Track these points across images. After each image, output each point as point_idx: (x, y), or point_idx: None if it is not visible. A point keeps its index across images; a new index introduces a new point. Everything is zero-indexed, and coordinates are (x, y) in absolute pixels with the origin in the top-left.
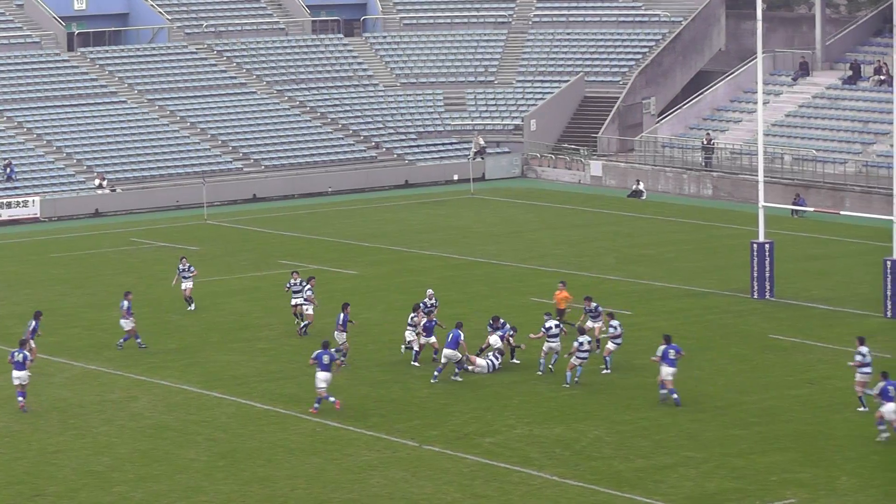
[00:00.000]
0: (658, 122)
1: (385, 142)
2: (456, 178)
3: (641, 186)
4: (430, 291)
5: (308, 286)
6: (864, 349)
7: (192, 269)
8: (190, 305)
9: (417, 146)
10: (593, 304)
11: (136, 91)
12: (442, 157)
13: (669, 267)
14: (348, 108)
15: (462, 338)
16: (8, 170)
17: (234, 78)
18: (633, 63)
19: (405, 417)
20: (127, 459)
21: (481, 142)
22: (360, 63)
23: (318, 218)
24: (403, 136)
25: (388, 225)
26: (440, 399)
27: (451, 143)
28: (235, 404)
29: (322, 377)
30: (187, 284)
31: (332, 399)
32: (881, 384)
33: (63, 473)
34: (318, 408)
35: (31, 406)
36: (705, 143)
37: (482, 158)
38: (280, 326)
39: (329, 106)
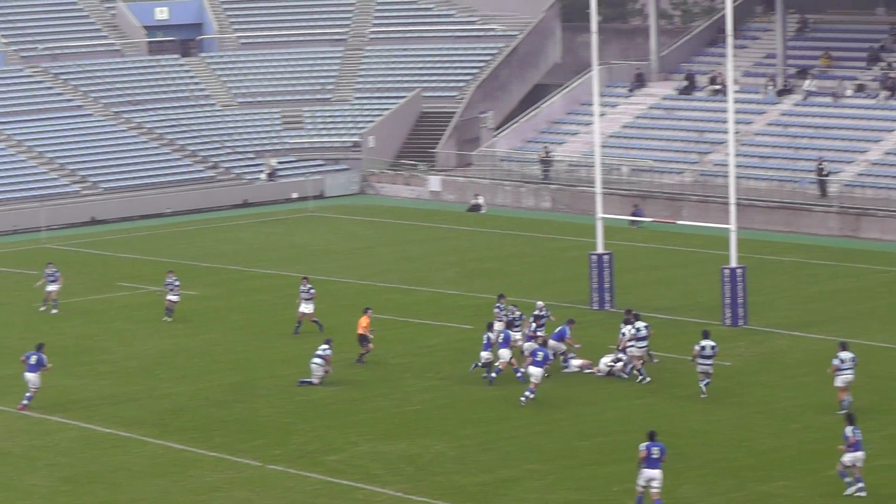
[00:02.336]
0: (496, 135)
1: (223, 161)
2: (295, 196)
3: (480, 200)
4: (540, 304)
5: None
6: (844, 354)
7: (176, 281)
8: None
9: (256, 165)
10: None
11: None
12: (280, 176)
13: (510, 280)
14: (186, 128)
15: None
16: None
17: (71, 101)
18: (469, 77)
19: (248, 437)
20: None
21: (273, 163)
22: (197, 83)
23: (157, 239)
24: (241, 156)
25: (228, 245)
26: (283, 418)
27: (289, 162)
28: (77, 428)
29: (28, 377)
30: (172, 297)
31: (24, 402)
32: (535, 349)
33: None
34: (27, 405)
35: None
36: (543, 156)
37: (273, 181)
38: (121, 349)
39: (166, 127)
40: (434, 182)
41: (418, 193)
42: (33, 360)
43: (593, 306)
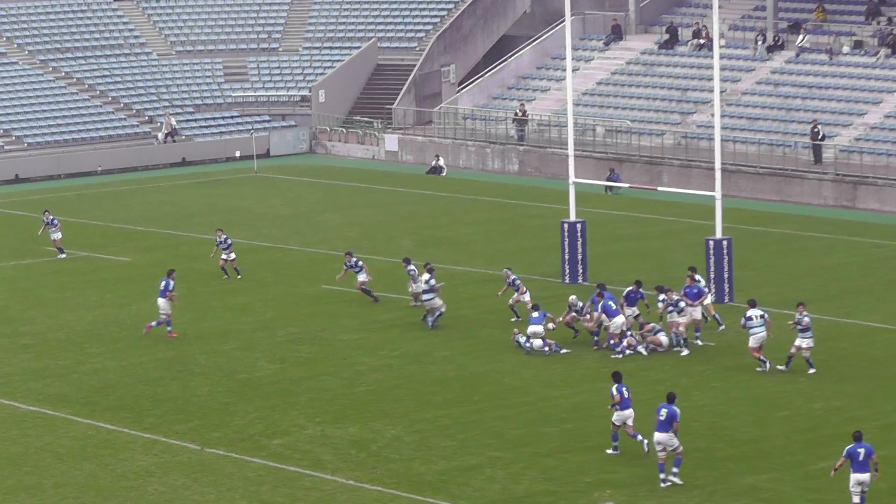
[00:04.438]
0: (458, 91)
1: (160, 116)
2: (238, 154)
3: (441, 162)
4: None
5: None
6: (754, 311)
7: (228, 239)
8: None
9: (195, 120)
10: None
11: None
12: (222, 133)
13: (472, 250)
14: (119, 79)
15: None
16: None
17: None
18: (430, 27)
19: (184, 418)
20: None
21: (173, 122)
22: (131, 30)
23: (86, 200)
24: (180, 110)
25: (164, 207)
26: (222, 398)
27: (232, 117)
28: None
29: (159, 303)
30: (225, 256)
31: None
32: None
33: None
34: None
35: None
36: (519, 114)
37: (174, 140)
38: (45, 320)
39: (98, 77)
40: (390, 141)
41: (373, 153)
42: (162, 285)
43: (565, 279)
